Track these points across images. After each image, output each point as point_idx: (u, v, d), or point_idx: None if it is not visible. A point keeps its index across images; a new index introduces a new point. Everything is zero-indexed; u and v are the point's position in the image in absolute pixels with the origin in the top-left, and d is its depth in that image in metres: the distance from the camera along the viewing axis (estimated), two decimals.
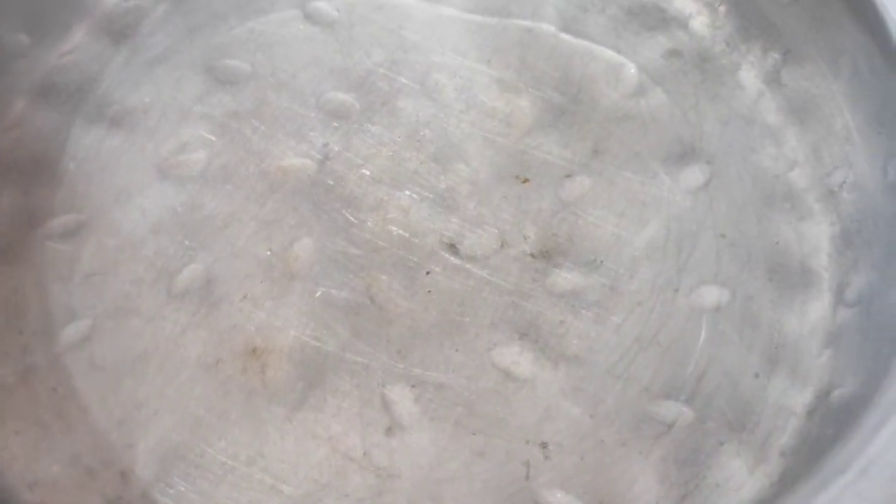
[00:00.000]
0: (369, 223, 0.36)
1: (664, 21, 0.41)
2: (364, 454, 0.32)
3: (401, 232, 0.36)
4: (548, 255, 0.36)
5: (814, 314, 0.34)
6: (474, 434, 0.32)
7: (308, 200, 0.37)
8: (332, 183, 0.37)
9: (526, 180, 0.37)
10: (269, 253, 0.36)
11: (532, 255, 0.36)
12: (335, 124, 0.39)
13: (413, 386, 0.33)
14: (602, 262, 0.36)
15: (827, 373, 0.33)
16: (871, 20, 0.33)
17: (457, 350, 0.34)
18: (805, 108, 0.38)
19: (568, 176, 0.37)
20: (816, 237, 0.36)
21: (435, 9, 0.41)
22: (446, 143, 0.38)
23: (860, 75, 0.35)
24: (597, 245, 0.36)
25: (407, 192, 0.37)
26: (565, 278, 0.35)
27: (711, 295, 0.35)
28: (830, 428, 0.30)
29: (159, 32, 0.41)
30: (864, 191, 0.35)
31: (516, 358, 0.34)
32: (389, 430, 0.32)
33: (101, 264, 0.35)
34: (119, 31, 0.41)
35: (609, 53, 0.40)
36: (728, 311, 0.35)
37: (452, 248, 0.36)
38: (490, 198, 0.37)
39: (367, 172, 0.38)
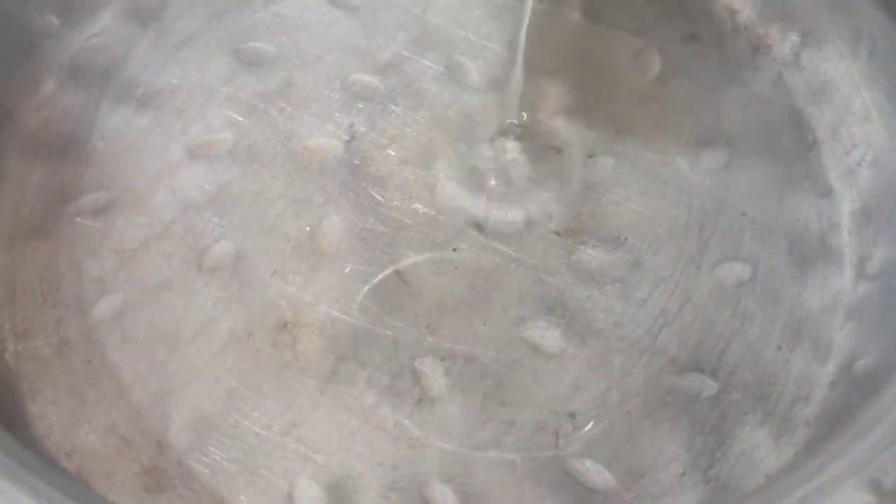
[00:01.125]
0: (396, 202, 0.37)
1: (684, 5, 0.41)
2: (395, 424, 0.32)
3: (427, 210, 0.37)
4: (573, 233, 0.36)
5: (835, 288, 0.35)
6: (503, 405, 0.33)
7: (335, 179, 0.37)
8: (358, 162, 0.38)
9: (559, 151, 0.37)
10: (297, 230, 0.36)
11: (557, 233, 0.36)
12: (360, 105, 0.39)
13: (442, 359, 0.34)
14: (626, 239, 0.36)
15: (849, 345, 0.33)
16: None
17: (485, 324, 0.34)
18: (824, 89, 0.39)
19: (591, 156, 0.38)
20: (836, 214, 0.37)
21: None
22: (470, 123, 0.39)
23: (879, 54, 0.36)
24: (620, 223, 0.37)
25: (433, 172, 0.38)
26: (590, 255, 0.36)
27: (734, 271, 0.35)
28: (854, 397, 0.31)
29: (185, 16, 0.41)
30: (884, 167, 0.35)
31: (544, 332, 0.34)
32: (420, 402, 0.33)
33: (131, 240, 0.36)
34: (146, 15, 0.41)
35: (630, 37, 0.41)
36: (750, 286, 0.35)
37: (478, 225, 0.37)
38: (515, 177, 0.38)
39: (393, 153, 0.38)
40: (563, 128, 0.39)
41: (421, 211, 0.37)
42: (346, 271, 0.35)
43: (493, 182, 0.37)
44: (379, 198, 0.37)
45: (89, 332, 0.34)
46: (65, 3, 0.40)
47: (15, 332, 0.33)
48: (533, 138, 0.38)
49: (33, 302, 0.34)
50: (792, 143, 0.38)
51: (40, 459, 0.29)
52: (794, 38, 0.40)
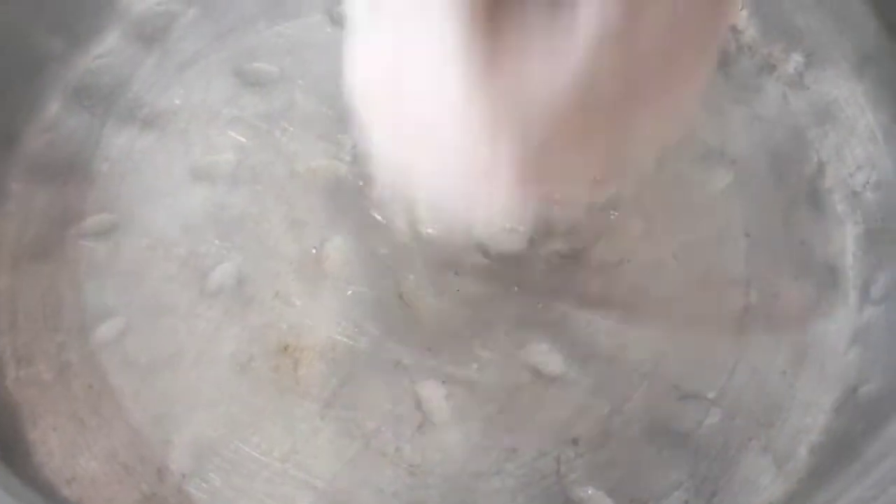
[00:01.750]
0: (398, 223, 0.37)
1: None
2: (396, 450, 0.32)
3: (429, 232, 0.37)
4: (576, 255, 0.36)
5: (840, 312, 0.35)
6: (505, 431, 0.33)
7: (338, 201, 0.37)
8: (361, 184, 0.38)
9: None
10: (299, 252, 0.36)
11: (560, 255, 0.36)
12: None
13: (444, 383, 0.33)
14: (629, 261, 0.36)
15: (854, 370, 0.33)
16: (894, 20, 0.33)
17: (486, 348, 0.34)
18: (828, 109, 0.38)
19: (595, 178, 0.38)
20: (841, 237, 0.36)
21: None
22: None
23: (883, 75, 0.36)
24: (624, 245, 0.36)
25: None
26: (593, 278, 0.36)
27: (738, 294, 0.35)
28: (859, 423, 0.31)
29: (189, 37, 0.42)
30: (888, 190, 0.35)
31: (546, 356, 0.34)
32: (421, 427, 0.33)
33: (134, 263, 0.36)
34: (150, 36, 0.41)
35: None
36: (755, 310, 0.35)
37: (480, 247, 0.36)
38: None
39: None
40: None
41: (423, 233, 0.37)
42: (348, 294, 0.35)
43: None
44: (381, 219, 0.37)
45: (90, 356, 0.34)
46: (69, 25, 0.40)
47: (17, 357, 0.33)
48: None
49: (35, 326, 0.34)
50: (796, 165, 0.38)
51: (38, 493, 0.29)
52: (798, 58, 0.39)
